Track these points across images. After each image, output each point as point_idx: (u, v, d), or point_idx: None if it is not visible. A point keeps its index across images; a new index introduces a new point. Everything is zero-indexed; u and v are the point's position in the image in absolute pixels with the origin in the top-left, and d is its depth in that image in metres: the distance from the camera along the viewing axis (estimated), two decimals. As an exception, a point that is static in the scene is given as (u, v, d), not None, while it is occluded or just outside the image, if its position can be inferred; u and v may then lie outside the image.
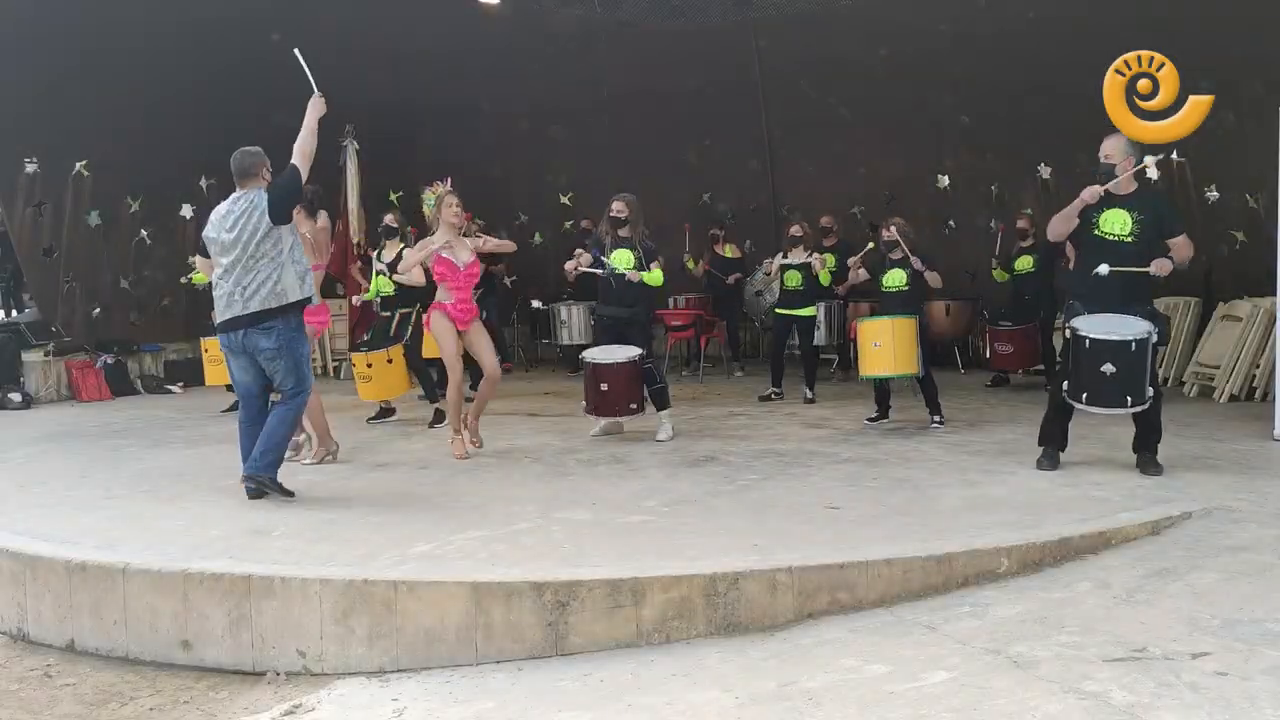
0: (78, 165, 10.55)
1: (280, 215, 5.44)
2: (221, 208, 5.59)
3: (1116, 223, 5.67)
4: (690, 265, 11.55)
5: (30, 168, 10.26)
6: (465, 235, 6.79)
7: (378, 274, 8.28)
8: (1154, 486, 5.45)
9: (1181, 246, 5.74)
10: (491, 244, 6.97)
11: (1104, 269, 5.59)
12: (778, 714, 3.24)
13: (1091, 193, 5.64)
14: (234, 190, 5.66)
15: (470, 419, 6.79)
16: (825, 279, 9.00)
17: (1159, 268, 5.61)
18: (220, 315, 5.51)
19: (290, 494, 5.48)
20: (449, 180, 6.77)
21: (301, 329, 5.60)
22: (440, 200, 6.64)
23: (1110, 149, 5.69)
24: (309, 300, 5.64)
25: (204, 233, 5.66)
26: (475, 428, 6.81)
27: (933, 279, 7.54)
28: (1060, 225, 5.86)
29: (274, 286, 5.39)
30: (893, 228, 7.67)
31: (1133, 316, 5.61)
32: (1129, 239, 5.65)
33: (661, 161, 12.62)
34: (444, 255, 6.54)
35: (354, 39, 11.25)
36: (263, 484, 5.43)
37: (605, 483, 5.81)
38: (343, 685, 3.88)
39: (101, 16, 9.74)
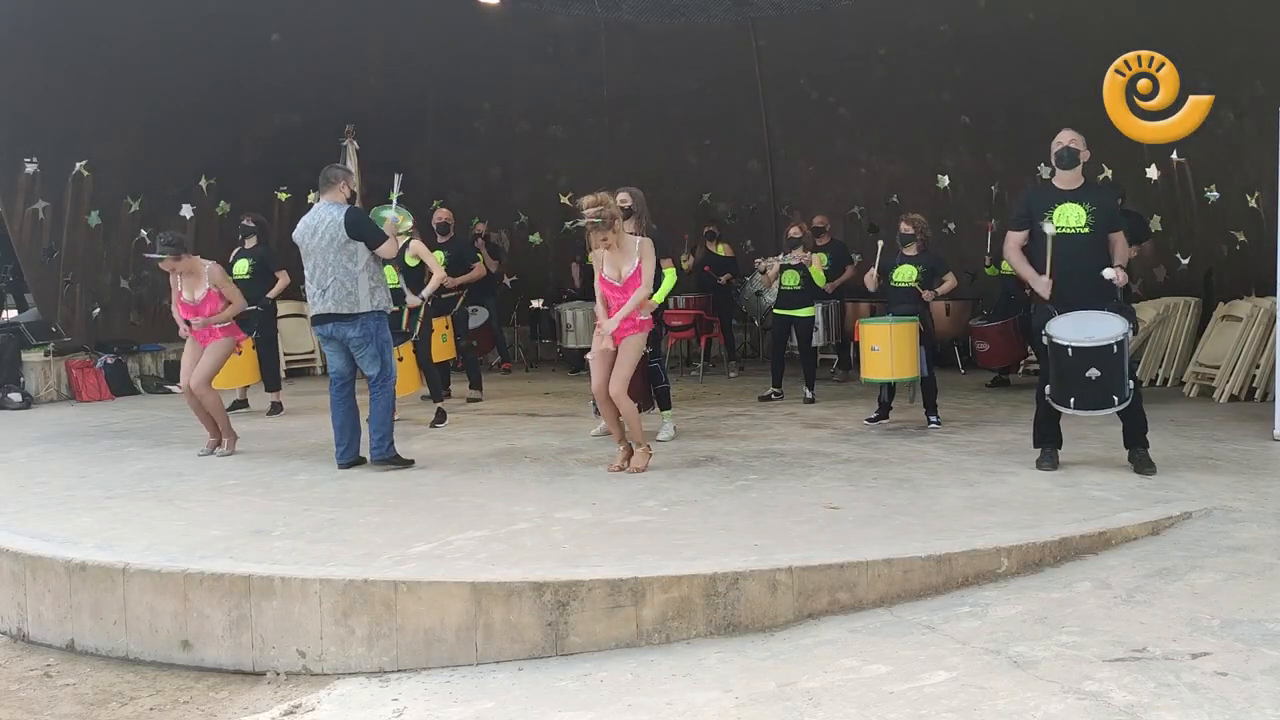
0: (78, 165, 10.54)
1: (353, 233, 6.16)
2: (306, 216, 6.35)
3: (1071, 215, 5.69)
4: (684, 266, 11.58)
5: (30, 168, 10.26)
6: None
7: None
8: (1154, 486, 5.45)
9: (1121, 242, 5.78)
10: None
11: (1049, 227, 5.62)
12: (777, 714, 3.24)
13: (1043, 288, 5.74)
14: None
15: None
16: (820, 279, 8.98)
17: (1120, 279, 5.63)
18: (311, 311, 6.33)
19: (410, 462, 6.32)
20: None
21: (384, 324, 6.34)
22: None
23: (1070, 137, 5.73)
24: (384, 312, 6.33)
25: (294, 236, 6.38)
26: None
27: (947, 285, 7.59)
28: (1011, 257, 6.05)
29: (346, 295, 6.13)
30: (906, 224, 7.70)
31: (1104, 312, 5.62)
32: (1085, 229, 5.66)
33: (661, 161, 12.64)
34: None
35: (354, 39, 11.27)
36: (386, 464, 6.22)
37: (605, 483, 5.80)
38: (343, 685, 3.88)
39: (102, 17, 9.75)
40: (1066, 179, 5.77)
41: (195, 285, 7.03)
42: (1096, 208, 5.69)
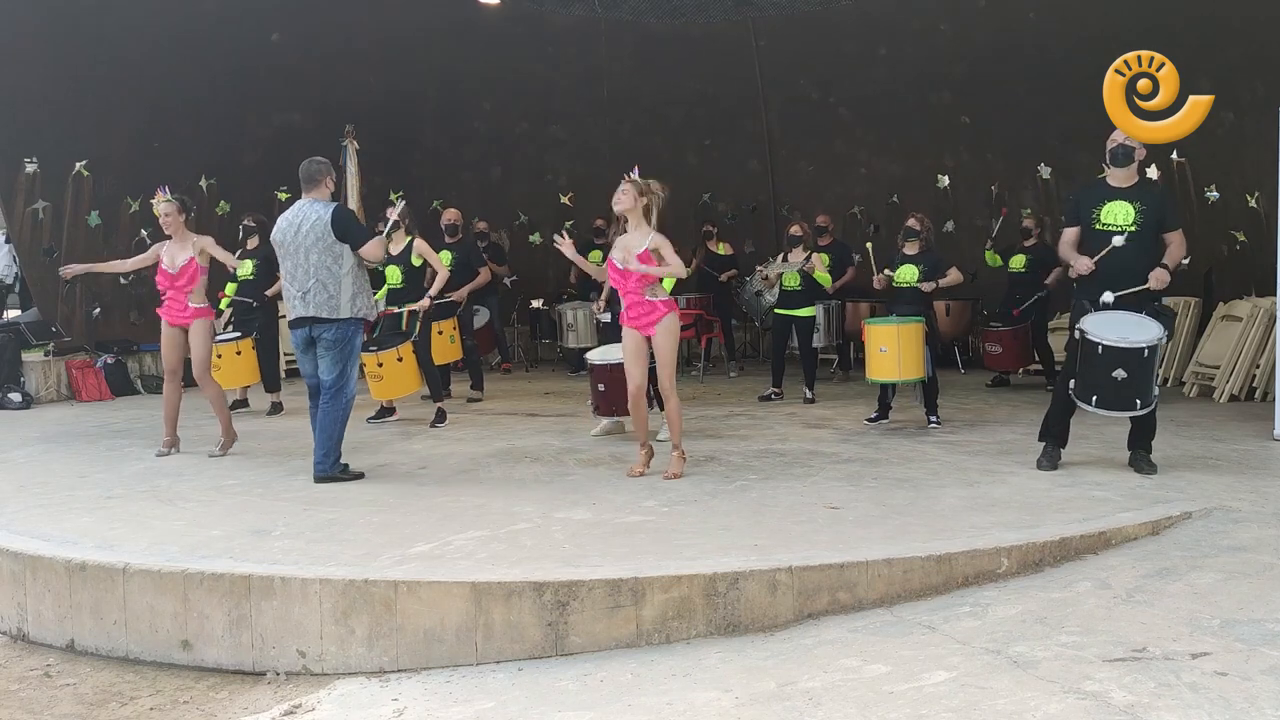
0: (78, 165, 10.54)
1: (339, 232, 5.91)
2: (287, 213, 6.07)
3: (1119, 214, 5.71)
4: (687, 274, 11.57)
5: (30, 168, 10.26)
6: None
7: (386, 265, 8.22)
8: (1154, 486, 5.45)
9: (1176, 242, 5.78)
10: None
11: (1109, 297, 5.64)
12: (777, 714, 3.24)
13: (1084, 266, 5.72)
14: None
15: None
16: (824, 280, 8.98)
17: (1157, 280, 5.63)
18: (290, 314, 6.07)
19: (360, 475, 6.02)
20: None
21: (359, 333, 6.09)
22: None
23: (1125, 134, 5.74)
24: (363, 319, 6.11)
25: (272, 235, 6.15)
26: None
27: (951, 278, 7.59)
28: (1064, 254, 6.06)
29: (328, 299, 5.90)
30: (914, 220, 7.72)
31: (1142, 315, 5.62)
32: (1132, 228, 5.68)
33: (661, 161, 12.62)
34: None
35: (354, 39, 11.26)
36: (329, 480, 5.89)
37: (605, 483, 5.80)
38: (343, 685, 3.88)
39: (102, 17, 9.75)
40: (1119, 176, 5.79)
41: (178, 252, 6.96)
42: (1146, 207, 5.70)
